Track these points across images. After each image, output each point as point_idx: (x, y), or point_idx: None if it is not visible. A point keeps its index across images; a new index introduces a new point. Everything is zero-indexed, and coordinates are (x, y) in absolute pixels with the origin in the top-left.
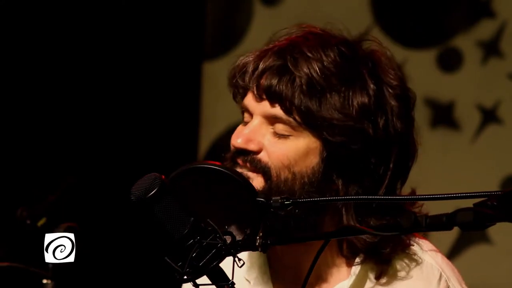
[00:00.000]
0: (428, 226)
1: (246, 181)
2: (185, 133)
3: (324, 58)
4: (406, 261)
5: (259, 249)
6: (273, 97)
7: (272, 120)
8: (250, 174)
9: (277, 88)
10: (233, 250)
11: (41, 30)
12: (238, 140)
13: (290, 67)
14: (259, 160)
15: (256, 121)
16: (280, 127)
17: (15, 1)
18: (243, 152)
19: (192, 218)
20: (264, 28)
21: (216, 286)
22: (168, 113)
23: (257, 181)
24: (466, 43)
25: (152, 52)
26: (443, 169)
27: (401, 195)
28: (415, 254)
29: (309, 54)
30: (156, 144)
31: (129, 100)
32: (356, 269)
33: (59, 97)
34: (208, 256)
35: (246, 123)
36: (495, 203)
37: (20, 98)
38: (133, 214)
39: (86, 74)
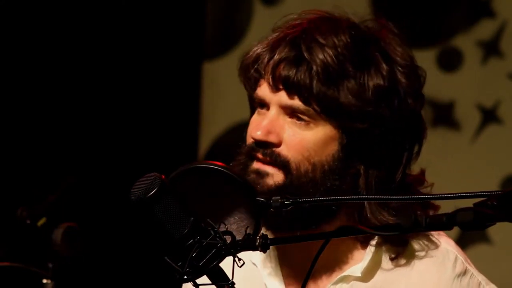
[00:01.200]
0: (428, 226)
1: (246, 181)
2: (185, 133)
3: (337, 43)
4: (423, 243)
5: (259, 249)
6: (290, 87)
7: (289, 110)
8: (270, 170)
9: (294, 78)
10: (233, 250)
11: (41, 30)
12: (257, 132)
13: (306, 56)
14: (279, 154)
15: (273, 112)
16: (298, 117)
17: (15, 1)
18: (263, 145)
19: (192, 218)
20: (264, 28)
21: (216, 286)
22: (168, 113)
23: (277, 177)
24: (466, 43)
25: (152, 52)
26: (443, 169)
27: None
28: (432, 236)
29: (323, 41)
30: (156, 144)
31: (129, 100)
32: (370, 250)
33: (59, 97)
34: (208, 256)
35: (260, 114)
36: (495, 203)
37: (20, 98)
38: (133, 214)
39: (86, 74)
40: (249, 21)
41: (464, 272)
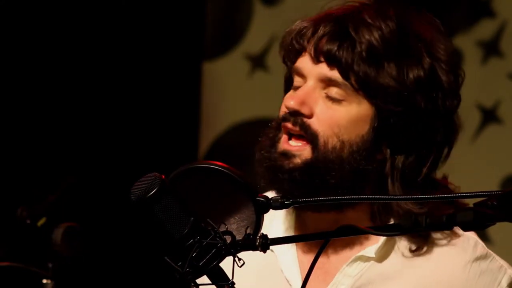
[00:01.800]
0: (428, 226)
1: (246, 180)
2: (185, 133)
3: (384, 27)
4: (444, 232)
5: (259, 249)
6: (332, 60)
7: (327, 82)
8: (296, 151)
9: (337, 52)
10: (233, 250)
11: (41, 30)
12: (291, 101)
13: (352, 33)
14: (309, 126)
15: (311, 83)
16: (334, 91)
17: (15, 1)
18: (295, 113)
19: (192, 218)
20: (264, 28)
21: (216, 286)
22: (168, 113)
23: (304, 154)
24: (466, 43)
25: (152, 52)
26: (442, 169)
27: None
28: None
29: (370, 21)
30: (156, 144)
31: (129, 100)
32: None
33: (59, 97)
34: (208, 256)
35: (296, 88)
36: (495, 203)
37: (20, 98)
38: (133, 214)
39: (86, 74)
40: (249, 21)
41: (485, 256)
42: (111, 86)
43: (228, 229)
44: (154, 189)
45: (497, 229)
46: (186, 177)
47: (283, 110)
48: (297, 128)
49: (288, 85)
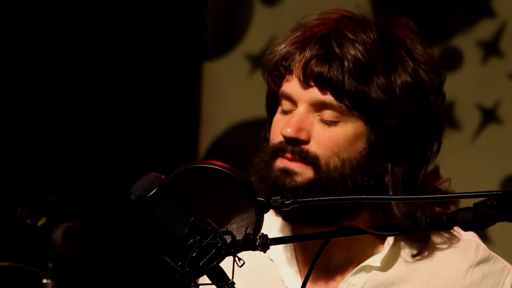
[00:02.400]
0: (428, 226)
1: (246, 181)
2: (185, 133)
3: (366, 39)
4: (444, 236)
5: (259, 249)
6: (323, 83)
7: (320, 106)
8: (297, 168)
9: (327, 74)
10: (233, 250)
11: (41, 30)
12: (288, 129)
13: (337, 52)
14: (308, 151)
15: (302, 109)
16: (328, 114)
17: (15, 1)
18: (293, 142)
19: (192, 218)
20: (264, 28)
21: (216, 285)
22: (168, 113)
23: (307, 174)
24: (466, 43)
25: (152, 52)
26: (443, 169)
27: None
28: (453, 230)
29: (353, 37)
30: (156, 144)
31: (129, 100)
32: (388, 243)
33: (59, 97)
34: (208, 256)
35: (285, 112)
36: (495, 203)
37: (20, 98)
38: (133, 214)
39: (86, 74)
40: (249, 21)
41: (487, 258)
42: (111, 86)
43: (228, 229)
44: (154, 189)
45: (497, 229)
46: (186, 177)
47: (277, 139)
48: (296, 157)
49: (271, 103)
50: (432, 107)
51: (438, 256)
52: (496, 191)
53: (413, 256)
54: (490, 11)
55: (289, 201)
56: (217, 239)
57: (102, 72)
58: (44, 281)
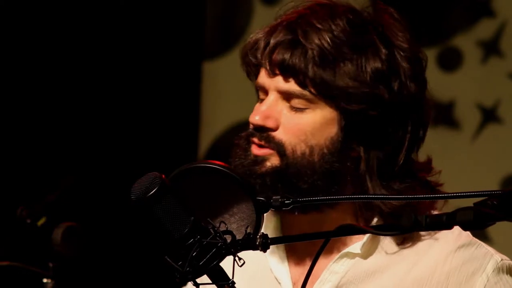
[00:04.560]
0: (428, 225)
1: (246, 180)
2: (185, 133)
3: (334, 27)
4: None
5: (259, 249)
6: (286, 71)
7: (287, 95)
8: (265, 153)
9: (290, 62)
10: (233, 249)
11: (41, 30)
12: (256, 117)
13: (301, 40)
14: (273, 137)
15: (272, 97)
16: (296, 101)
17: (15, 1)
18: (260, 129)
19: (192, 218)
20: None
21: (216, 285)
22: (168, 113)
23: (273, 160)
24: (466, 43)
25: (152, 52)
26: (443, 169)
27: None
28: None
29: (319, 26)
30: (156, 144)
31: (129, 100)
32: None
33: (59, 97)
34: (208, 256)
35: (262, 101)
36: (495, 203)
37: (19, 98)
38: (133, 213)
39: (86, 74)
40: (249, 21)
41: (469, 243)
42: (111, 86)
43: (228, 229)
44: (154, 188)
45: (497, 229)
46: (186, 176)
47: (250, 126)
48: (262, 142)
49: (258, 94)
50: (411, 92)
51: (420, 245)
52: (496, 190)
53: (397, 244)
54: (490, 11)
55: (289, 200)
56: (217, 238)
57: (102, 72)
58: (44, 280)
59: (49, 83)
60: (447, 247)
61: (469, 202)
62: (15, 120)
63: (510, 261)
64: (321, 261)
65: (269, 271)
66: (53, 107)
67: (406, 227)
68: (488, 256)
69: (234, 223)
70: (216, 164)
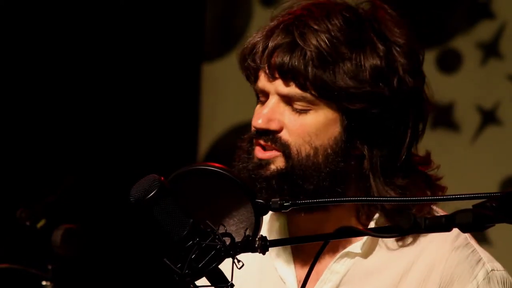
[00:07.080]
0: (427, 227)
1: (245, 182)
2: (185, 134)
3: (331, 27)
4: None
5: (258, 251)
6: (286, 74)
7: (288, 98)
8: (271, 155)
9: (289, 65)
10: (232, 252)
11: (41, 30)
12: (258, 121)
13: (299, 42)
14: (279, 139)
15: (273, 100)
16: (297, 104)
17: (15, 1)
18: (264, 133)
19: (191, 220)
20: None
21: (215, 287)
22: (168, 114)
23: (278, 161)
24: (466, 44)
25: (152, 53)
26: (442, 170)
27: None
28: None
29: (316, 27)
30: (156, 145)
31: (129, 101)
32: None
33: (59, 97)
34: (207, 258)
35: (262, 103)
36: (494, 205)
37: (19, 98)
38: (133, 215)
39: (86, 75)
40: (249, 22)
41: (465, 246)
42: (111, 87)
43: (227, 231)
44: (153, 190)
45: (496, 230)
46: (185, 178)
47: (252, 129)
48: (269, 143)
49: (258, 96)
50: (410, 88)
51: (419, 243)
52: (496, 192)
53: (395, 244)
54: (490, 12)
55: (288, 203)
56: (216, 241)
57: (102, 73)
58: (44, 283)
59: (49, 84)
60: (444, 246)
61: (468, 204)
62: (15, 121)
63: (502, 271)
64: (324, 261)
65: (274, 270)
66: (53, 109)
67: (405, 229)
68: (480, 264)
69: (233, 225)
70: (215, 166)
